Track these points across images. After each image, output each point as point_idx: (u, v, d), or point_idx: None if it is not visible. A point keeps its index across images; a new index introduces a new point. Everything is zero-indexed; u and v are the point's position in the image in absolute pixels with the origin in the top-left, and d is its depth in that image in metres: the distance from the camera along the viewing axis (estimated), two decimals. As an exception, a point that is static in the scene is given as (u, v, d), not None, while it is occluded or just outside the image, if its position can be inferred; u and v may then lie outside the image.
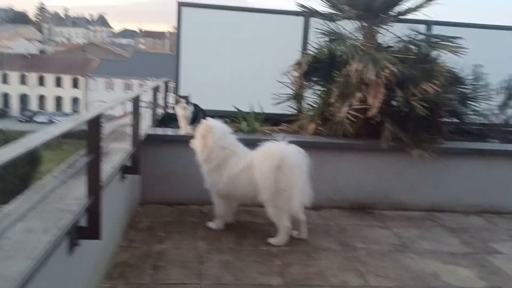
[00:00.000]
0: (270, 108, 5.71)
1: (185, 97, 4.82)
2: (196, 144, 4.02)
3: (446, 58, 5.26)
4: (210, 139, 3.89)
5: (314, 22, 5.76)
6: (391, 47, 5.34)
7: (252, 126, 5.20)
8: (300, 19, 6.14)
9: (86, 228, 2.48)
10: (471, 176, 5.22)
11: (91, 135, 2.40)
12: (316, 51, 5.61)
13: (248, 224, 4.42)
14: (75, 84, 51.43)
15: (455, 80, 5.42)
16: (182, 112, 4.82)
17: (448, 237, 4.43)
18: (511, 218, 5.08)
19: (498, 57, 6.44)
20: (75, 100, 51.76)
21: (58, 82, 51.59)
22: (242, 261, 3.60)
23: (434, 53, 5.20)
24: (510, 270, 3.72)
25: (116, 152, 3.80)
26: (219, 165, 3.94)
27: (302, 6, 5.68)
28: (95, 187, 2.46)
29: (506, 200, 5.27)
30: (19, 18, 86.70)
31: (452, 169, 5.17)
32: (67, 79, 51.42)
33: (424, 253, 3.99)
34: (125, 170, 3.75)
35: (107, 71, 49.86)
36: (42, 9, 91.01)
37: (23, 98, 51.89)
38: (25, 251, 1.89)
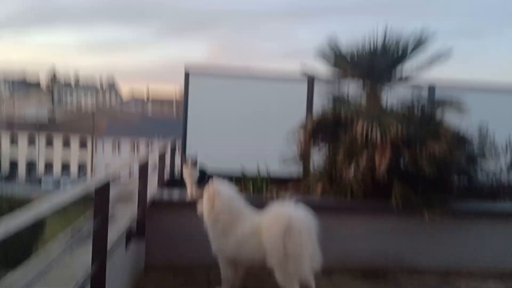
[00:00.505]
0: (277, 169, 5.71)
1: (192, 159, 4.82)
2: (203, 207, 3.94)
3: (451, 117, 5.32)
4: (218, 202, 3.81)
5: (318, 83, 5.92)
6: (395, 108, 5.43)
7: (258, 187, 5.17)
8: (304, 81, 6.32)
9: (90, 298, 2.37)
10: (487, 238, 5.07)
11: (98, 202, 2.37)
12: (321, 112, 5.71)
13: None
14: (82, 145, 52.26)
15: (461, 139, 5.43)
16: (189, 175, 4.79)
17: (467, 305, 4.19)
18: (532, 282, 4.85)
19: (503, 117, 6.51)
20: (82, 163, 52.25)
21: (66, 143, 52.47)
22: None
23: (438, 115, 5.26)
24: None
25: (122, 216, 3.75)
26: (226, 229, 3.84)
27: (305, 73, 5.87)
28: (100, 254, 2.39)
29: (525, 262, 5.06)
30: (31, 84, 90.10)
31: (466, 231, 5.04)
32: (75, 140, 52.37)
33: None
34: (130, 235, 3.67)
35: (114, 132, 50.78)
36: (53, 79, 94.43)
37: (31, 162, 52.42)
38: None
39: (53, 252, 2.60)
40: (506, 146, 6.25)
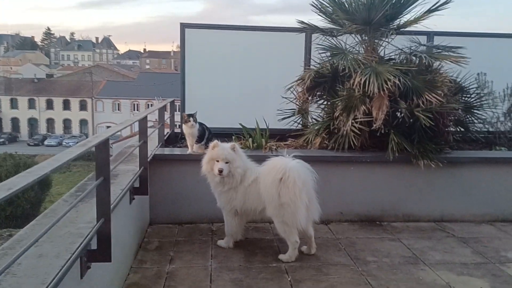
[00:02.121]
0: (276, 124, 5.77)
1: (192, 115, 4.87)
2: (205, 165, 3.98)
3: (448, 68, 5.30)
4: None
5: (316, 37, 5.83)
6: (393, 59, 5.40)
7: (258, 142, 5.24)
8: (302, 36, 6.22)
9: (97, 251, 2.51)
10: (480, 185, 5.19)
11: (99, 159, 2.45)
12: (318, 66, 5.67)
13: (258, 241, 4.42)
14: (82, 107, 52.08)
15: (458, 89, 5.44)
16: (189, 131, 4.86)
17: (460, 248, 4.39)
18: (523, 226, 5.03)
19: (501, 64, 6.46)
20: (83, 122, 52.35)
21: (66, 105, 52.29)
22: (252, 278, 3.60)
23: (436, 64, 5.23)
24: (524, 279, 3.68)
25: (124, 174, 3.85)
26: (235, 185, 3.96)
27: (303, 23, 5.77)
28: (104, 210, 2.50)
29: (517, 208, 5.22)
30: (26, 44, 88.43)
31: (460, 178, 5.15)
32: (74, 102, 52.11)
33: (436, 265, 3.96)
34: (133, 191, 3.79)
35: (113, 92, 50.49)
36: (48, 34, 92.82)
37: (32, 122, 52.61)
38: (37, 277, 1.92)
39: (59, 210, 2.70)
40: (504, 94, 6.27)
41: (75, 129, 52.41)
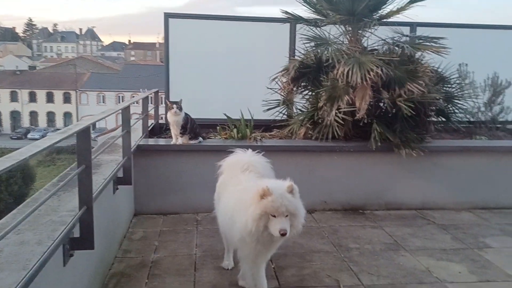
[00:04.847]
0: (261, 115, 5.77)
1: (176, 102, 4.84)
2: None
3: (430, 58, 5.37)
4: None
5: (300, 28, 5.84)
6: (376, 50, 5.45)
7: (243, 133, 5.26)
8: (287, 26, 6.22)
9: (80, 239, 2.51)
10: (460, 173, 5.31)
11: (81, 146, 2.45)
12: (303, 56, 5.69)
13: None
14: (66, 99, 51.28)
15: (439, 79, 5.53)
16: (174, 118, 4.83)
17: (440, 234, 4.49)
18: (502, 213, 5.17)
19: (482, 55, 6.57)
20: (67, 115, 51.57)
21: (50, 98, 51.41)
22: (236, 266, 3.63)
23: (418, 54, 5.30)
24: (501, 264, 3.79)
25: (108, 164, 3.84)
26: None
27: (287, 13, 5.77)
28: (86, 197, 2.50)
29: (496, 196, 5.36)
30: (8, 35, 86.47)
31: (441, 167, 5.26)
32: (58, 94, 51.26)
33: (416, 251, 4.05)
34: (117, 181, 3.79)
35: (98, 84, 49.78)
36: (30, 25, 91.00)
37: (15, 115, 51.63)
38: (19, 263, 1.92)
39: (41, 199, 2.69)
40: (485, 84, 6.39)
41: (59, 122, 51.60)
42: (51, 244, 2.12)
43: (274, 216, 2.56)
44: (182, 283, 3.36)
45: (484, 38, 6.79)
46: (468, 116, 6.17)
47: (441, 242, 4.28)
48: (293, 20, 5.88)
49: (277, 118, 5.85)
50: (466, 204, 5.29)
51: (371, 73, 4.74)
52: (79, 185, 2.49)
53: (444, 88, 5.65)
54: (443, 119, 5.77)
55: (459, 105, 5.78)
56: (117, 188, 3.82)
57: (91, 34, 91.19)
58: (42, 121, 51.91)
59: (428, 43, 5.30)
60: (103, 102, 49.48)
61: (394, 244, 4.19)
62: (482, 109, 6.35)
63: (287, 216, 2.58)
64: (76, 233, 2.53)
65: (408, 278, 3.51)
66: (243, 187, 2.95)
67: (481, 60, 6.44)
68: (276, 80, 5.73)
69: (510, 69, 6.74)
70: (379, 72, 4.76)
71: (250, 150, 3.48)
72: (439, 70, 5.65)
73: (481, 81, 6.34)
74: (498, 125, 6.39)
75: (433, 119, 5.54)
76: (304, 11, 5.68)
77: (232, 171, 3.30)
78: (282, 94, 5.85)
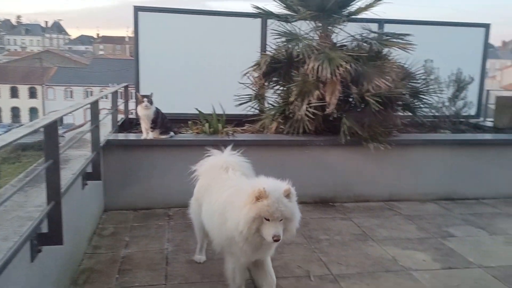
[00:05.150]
0: (233, 109, 5.80)
1: (147, 96, 4.79)
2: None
3: (397, 55, 5.53)
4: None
5: (272, 23, 5.88)
6: (345, 45, 5.56)
7: (214, 127, 5.26)
8: (258, 21, 6.26)
9: (48, 234, 2.47)
10: (425, 166, 5.50)
11: (48, 141, 2.40)
12: (274, 51, 5.74)
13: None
14: (32, 94, 49.59)
15: (406, 75, 5.69)
16: (144, 112, 4.77)
17: (406, 224, 4.65)
18: (464, 203, 5.40)
19: (447, 51, 6.80)
20: (32, 111, 49.88)
21: (14, 93, 49.57)
22: (209, 259, 3.66)
23: (385, 50, 5.44)
24: (463, 251, 3.97)
25: (76, 159, 3.77)
26: None
27: (258, 8, 5.80)
28: (54, 192, 2.46)
29: (459, 187, 5.58)
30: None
31: (407, 160, 5.44)
32: (23, 89, 49.48)
33: (383, 241, 4.18)
34: (86, 176, 3.73)
35: (65, 79, 48.34)
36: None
37: (-22, 111, 49.58)
38: (-16, 259, 1.88)
39: (6, 195, 2.63)
40: (449, 80, 6.63)
41: (25, 117, 49.85)
42: (18, 239, 2.08)
43: (268, 220, 2.42)
44: (153, 277, 3.36)
45: (450, 35, 7.03)
46: (433, 110, 6.40)
47: (407, 232, 4.44)
48: (264, 15, 5.92)
49: (249, 113, 5.89)
50: (431, 195, 5.49)
51: (340, 68, 4.83)
52: (46, 180, 2.45)
53: (410, 83, 5.82)
54: (410, 114, 5.95)
55: (424, 100, 5.97)
56: (86, 184, 3.77)
57: (58, 27, 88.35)
58: (6, 117, 50.01)
59: (395, 40, 5.44)
60: (71, 97, 48.12)
61: (363, 235, 4.31)
62: (447, 104, 6.59)
63: (281, 220, 2.45)
64: (44, 229, 2.49)
65: (375, 267, 3.63)
66: (236, 185, 2.83)
67: (446, 57, 6.67)
68: (248, 75, 5.75)
69: (473, 66, 7.03)
70: (348, 67, 4.86)
71: (226, 150, 3.37)
72: (406, 66, 5.82)
73: (446, 77, 6.58)
74: (462, 120, 6.65)
75: (400, 113, 5.70)
76: (275, 7, 5.74)
77: (212, 173, 3.19)
78: (254, 89, 5.88)
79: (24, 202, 2.63)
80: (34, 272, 2.39)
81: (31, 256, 2.32)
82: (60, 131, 2.90)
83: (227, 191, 2.84)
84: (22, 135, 1.97)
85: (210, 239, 3.20)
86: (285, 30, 5.63)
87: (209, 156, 3.39)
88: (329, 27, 5.52)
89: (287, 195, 2.48)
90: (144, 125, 4.85)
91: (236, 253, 2.77)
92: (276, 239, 2.40)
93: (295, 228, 2.55)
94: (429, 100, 6.04)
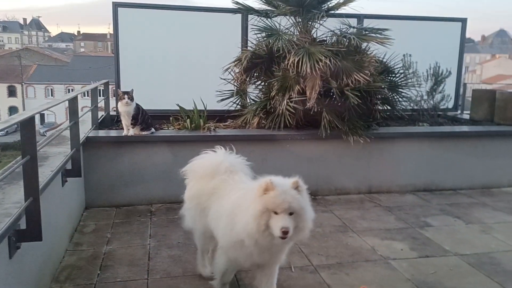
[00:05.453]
0: (215, 105, 5.81)
1: (127, 92, 4.78)
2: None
3: (376, 49, 5.61)
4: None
5: (252, 19, 5.90)
6: (325, 41, 5.62)
7: (196, 123, 5.27)
8: (238, 17, 6.27)
9: (26, 230, 2.46)
10: (404, 158, 5.61)
11: (25, 136, 2.39)
12: (255, 47, 5.77)
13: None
14: (11, 93, 48.58)
15: (384, 69, 5.79)
16: (125, 108, 4.76)
17: (385, 215, 4.75)
18: (442, 194, 5.54)
19: (426, 46, 6.94)
20: (12, 110, 48.87)
21: (-8, 91, 48.50)
22: (191, 254, 3.67)
23: (364, 45, 5.52)
24: (439, 240, 4.08)
25: (56, 156, 3.75)
26: None
27: (238, 3, 5.82)
28: (32, 188, 2.45)
29: (437, 178, 5.72)
30: None
31: (386, 153, 5.54)
32: (2, 87, 48.44)
33: (363, 231, 4.27)
34: (65, 173, 3.71)
35: (45, 77, 47.48)
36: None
37: (-46, 111, 48.32)
38: (-40, 255, 1.88)
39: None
40: (427, 74, 6.76)
41: (4, 116, 48.83)
42: (-5, 236, 2.08)
43: (276, 213, 2.31)
44: (135, 272, 3.37)
45: (428, 30, 7.16)
46: (412, 104, 6.52)
47: (386, 222, 4.54)
48: (244, 10, 5.94)
49: (231, 108, 5.91)
50: (410, 187, 5.61)
51: (320, 63, 4.89)
52: (24, 176, 2.44)
53: (389, 77, 5.92)
54: (389, 107, 6.05)
55: (403, 94, 6.08)
56: (66, 181, 3.75)
57: (37, 24, 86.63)
58: (-15, 117, 48.93)
59: (373, 34, 5.53)
60: (52, 95, 47.31)
61: (343, 226, 4.39)
62: (425, 97, 6.73)
63: (291, 214, 2.32)
64: (23, 225, 2.48)
65: (354, 257, 3.70)
66: (244, 188, 2.70)
67: (424, 51, 6.80)
68: (229, 70, 5.77)
69: (451, 59, 7.18)
70: (328, 62, 4.92)
71: (220, 149, 3.11)
72: (384, 60, 5.91)
73: (424, 70, 6.70)
74: (440, 112, 6.80)
75: (379, 107, 5.80)
76: (255, 2, 5.76)
77: (216, 177, 2.94)
78: (235, 84, 5.90)
79: (1, 200, 2.62)
80: (13, 269, 2.39)
81: (9, 252, 2.31)
82: (42, 130, 2.88)
83: (235, 194, 2.68)
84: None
85: (214, 246, 3.02)
86: (265, 25, 5.67)
87: (203, 157, 3.10)
88: (309, 22, 5.57)
89: (296, 187, 2.40)
90: (125, 121, 4.83)
91: (238, 258, 2.63)
92: (284, 230, 2.25)
93: (308, 227, 2.40)
94: (408, 94, 6.16)
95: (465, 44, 7.34)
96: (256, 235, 2.34)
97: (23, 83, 47.86)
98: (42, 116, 42.70)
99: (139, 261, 3.56)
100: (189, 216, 3.16)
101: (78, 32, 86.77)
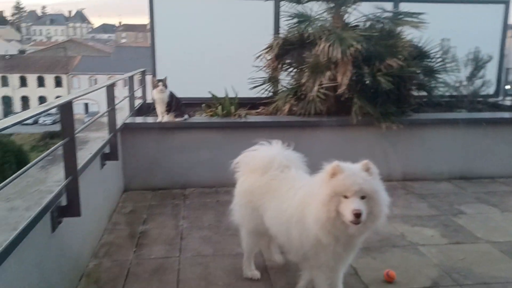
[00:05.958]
0: (247, 93, 5.88)
1: (161, 80, 4.94)
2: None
3: (410, 33, 5.48)
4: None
5: (284, 5, 5.91)
6: (357, 25, 5.54)
7: (227, 110, 5.38)
8: (271, 4, 6.30)
9: (67, 207, 2.66)
10: (439, 145, 5.48)
11: (64, 120, 2.58)
12: (286, 33, 5.78)
13: (228, 203, 4.61)
14: (58, 83, 50.84)
15: (419, 54, 5.65)
16: (159, 96, 4.93)
17: (418, 203, 4.70)
18: (478, 182, 5.38)
19: (465, 30, 6.68)
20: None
21: (41, 82, 50.95)
22: (221, 235, 3.82)
23: (398, 29, 5.40)
24: (471, 228, 4.00)
25: (95, 140, 3.97)
26: None
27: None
28: (72, 167, 2.64)
29: (474, 166, 5.55)
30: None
31: (421, 139, 5.43)
32: (49, 78, 50.79)
33: (394, 218, 4.24)
34: (104, 156, 3.92)
35: (89, 67, 49.29)
36: (18, 8, 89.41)
37: (6, 100, 51.22)
38: (9, 225, 2.08)
39: (29, 172, 2.83)
40: (467, 58, 6.53)
41: (51, 106, 51.19)
42: (39, 209, 2.27)
43: (346, 197, 2.14)
44: (168, 250, 3.54)
45: (467, 13, 6.90)
46: (450, 90, 6.33)
47: (418, 210, 4.49)
48: (277, 1, 5.95)
49: (263, 95, 5.97)
50: (445, 174, 5.49)
51: (351, 48, 4.85)
52: (64, 156, 2.63)
53: (424, 62, 5.77)
54: (425, 94, 5.91)
55: (440, 79, 5.92)
56: (105, 163, 3.96)
57: (81, 16, 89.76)
58: (34, 106, 51.39)
59: (408, 18, 5.40)
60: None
61: (373, 213, 4.38)
62: (464, 83, 6.51)
63: (363, 198, 2.16)
64: (64, 202, 2.68)
65: (383, 242, 3.71)
66: (305, 185, 2.54)
67: (463, 35, 6.56)
68: (261, 57, 5.82)
69: (492, 44, 6.90)
70: (359, 47, 4.87)
71: (275, 143, 2.95)
72: (419, 45, 5.77)
73: (463, 55, 6.47)
74: (480, 99, 6.57)
75: (414, 93, 5.68)
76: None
77: (270, 172, 2.78)
78: (267, 71, 5.95)
79: (45, 178, 2.83)
80: (55, 241, 2.59)
81: (52, 226, 2.51)
82: (87, 119, 3.08)
83: (298, 193, 2.51)
84: (38, 112, 2.13)
85: (262, 248, 3.01)
86: (296, 11, 5.66)
87: (257, 149, 2.92)
88: (342, 8, 5.51)
89: (366, 169, 2.23)
90: (160, 108, 5.01)
91: (326, 262, 2.41)
92: (356, 212, 2.07)
93: (382, 212, 2.21)
94: (445, 80, 5.99)
95: (507, 28, 7.01)
96: (327, 223, 2.18)
97: (68, 74, 49.93)
98: (86, 106, 44.37)
99: (172, 240, 3.74)
100: (239, 213, 3.01)
101: (120, 23, 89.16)
